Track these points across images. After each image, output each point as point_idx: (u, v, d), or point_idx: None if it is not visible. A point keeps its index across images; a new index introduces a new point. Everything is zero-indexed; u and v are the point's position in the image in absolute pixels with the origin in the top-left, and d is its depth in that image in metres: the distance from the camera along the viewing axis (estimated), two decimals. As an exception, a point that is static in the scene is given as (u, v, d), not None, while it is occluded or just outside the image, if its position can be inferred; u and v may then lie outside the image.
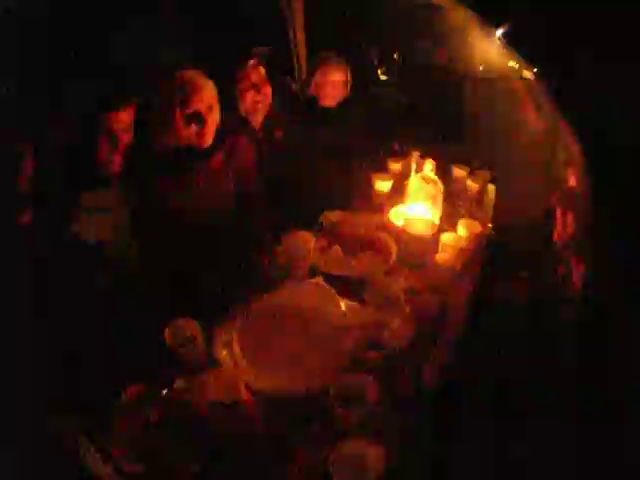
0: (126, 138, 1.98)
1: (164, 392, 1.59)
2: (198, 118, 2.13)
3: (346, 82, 3.03)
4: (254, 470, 1.44)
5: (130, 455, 1.46)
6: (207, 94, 2.16)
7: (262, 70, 2.65)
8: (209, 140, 2.21)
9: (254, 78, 2.60)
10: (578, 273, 1.79)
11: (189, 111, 2.11)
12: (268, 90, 2.68)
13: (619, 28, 1.48)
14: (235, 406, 1.47)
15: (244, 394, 1.51)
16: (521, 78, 2.95)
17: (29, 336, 1.62)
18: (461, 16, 2.93)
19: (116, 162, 1.98)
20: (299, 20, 3.70)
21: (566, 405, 1.65)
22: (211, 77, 2.25)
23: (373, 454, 1.39)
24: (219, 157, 2.31)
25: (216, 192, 2.31)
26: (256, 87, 2.61)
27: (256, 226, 2.39)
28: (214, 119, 2.20)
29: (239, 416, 1.48)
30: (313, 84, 3.02)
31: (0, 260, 1.65)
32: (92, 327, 1.80)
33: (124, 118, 1.95)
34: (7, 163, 1.70)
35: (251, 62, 2.62)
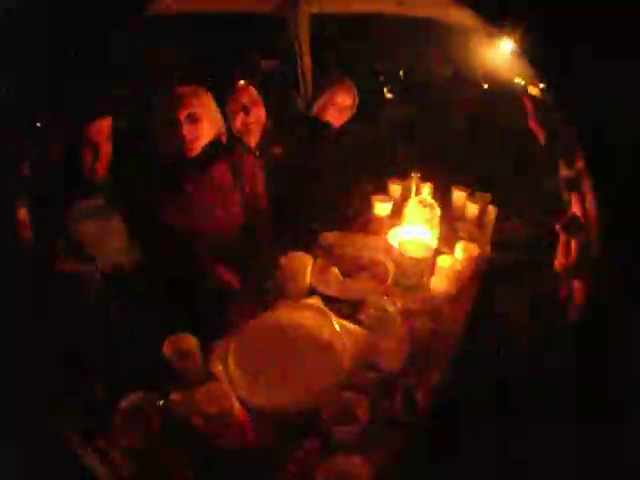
0: (106, 148, 2.03)
1: (160, 403, 1.59)
2: (173, 124, 2.16)
3: (353, 106, 3.02)
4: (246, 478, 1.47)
5: (128, 458, 1.49)
6: (194, 103, 2.18)
7: (253, 91, 2.66)
8: (196, 149, 2.23)
9: (244, 100, 2.63)
10: (580, 293, 1.77)
11: (170, 117, 2.16)
12: (259, 111, 2.68)
13: (618, 26, 1.48)
14: (227, 418, 1.48)
15: (237, 409, 1.52)
16: (527, 94, 2.97)
17: (30, 338, 1.63)
18: (466, 29, 2.95)
19: (100, 170, 2.04)
20: (305, 36, 3.76)
21: (566, 406, 1.64)
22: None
23: (362, 471, 1.39)
24: (216, 171, 2.32)
25: (218, 206, 2.33)
26: (245, 109, 2.63)
27: (259, 243, 2.44)
28: (199, 129, 2.22)
29: (231, 429, 1.49)
30: (320, 104, 2.98)
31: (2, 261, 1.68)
32: (92, 332, 1.84)
33: (104, 128, 2.01)
34: (7, 162, 1.72)
35: (240, 83, 2.65)
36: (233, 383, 1.67)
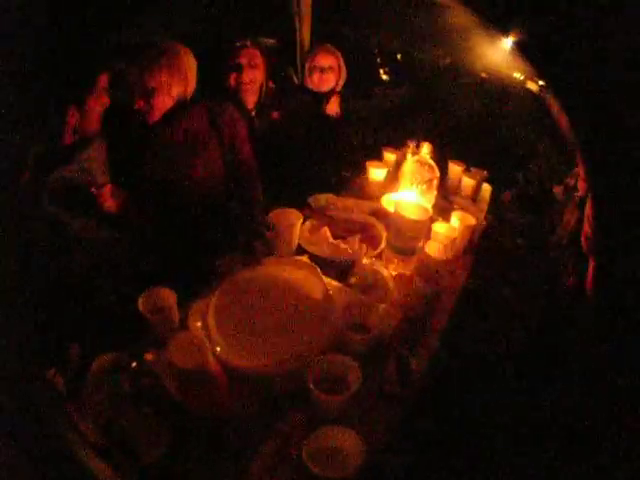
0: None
1: (133, 364, 1.39)
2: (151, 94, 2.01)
3: (337, 67, 3.00)
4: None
5: (97, 427, 1.26)
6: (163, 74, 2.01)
7: (254, 52, 2.56)
8: (155, 117, 2.06)
9: (241, 59, 2.53)
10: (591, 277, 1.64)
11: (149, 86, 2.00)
12: (256, 73, 2.57)
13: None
14: (201, 373, 1.24)
15: (212, 363, 1.28)
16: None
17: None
18: (465, 18, 2.84)
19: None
20: (306, 16, 3.56)
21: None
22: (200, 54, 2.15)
23: (352, 443, 1.21)
24: (186, 120, 2.12)
25: (194, 154, 2.14)
26: (239, 67, 2.53)
27: (245, 197, 2.29)
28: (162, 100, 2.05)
29: (206, 387, 1.27)
30: (306, 71, 3.03)
31: None
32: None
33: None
34: None
35: (243, 42, 2.56)
36: (212, 340, 1.44)
